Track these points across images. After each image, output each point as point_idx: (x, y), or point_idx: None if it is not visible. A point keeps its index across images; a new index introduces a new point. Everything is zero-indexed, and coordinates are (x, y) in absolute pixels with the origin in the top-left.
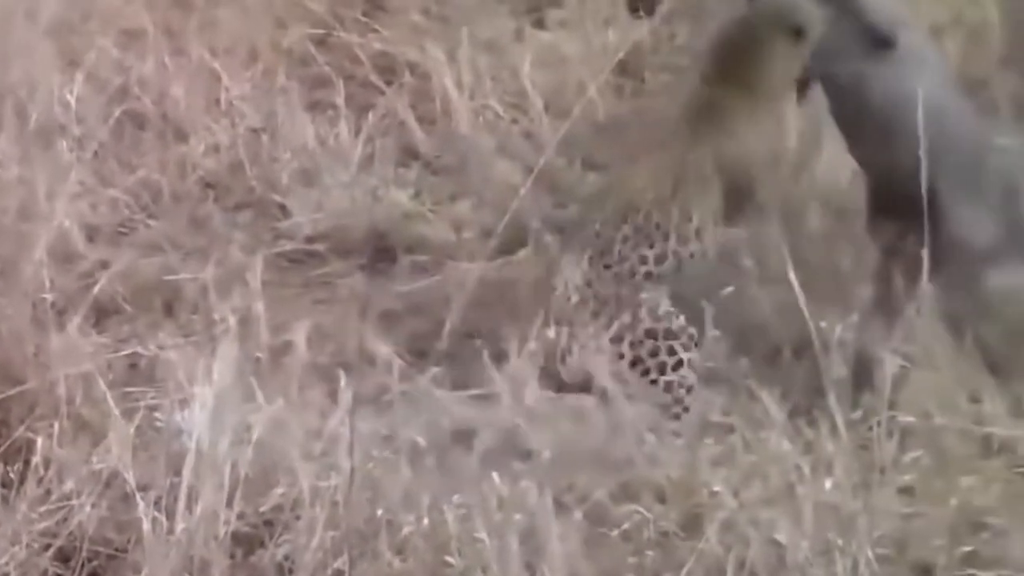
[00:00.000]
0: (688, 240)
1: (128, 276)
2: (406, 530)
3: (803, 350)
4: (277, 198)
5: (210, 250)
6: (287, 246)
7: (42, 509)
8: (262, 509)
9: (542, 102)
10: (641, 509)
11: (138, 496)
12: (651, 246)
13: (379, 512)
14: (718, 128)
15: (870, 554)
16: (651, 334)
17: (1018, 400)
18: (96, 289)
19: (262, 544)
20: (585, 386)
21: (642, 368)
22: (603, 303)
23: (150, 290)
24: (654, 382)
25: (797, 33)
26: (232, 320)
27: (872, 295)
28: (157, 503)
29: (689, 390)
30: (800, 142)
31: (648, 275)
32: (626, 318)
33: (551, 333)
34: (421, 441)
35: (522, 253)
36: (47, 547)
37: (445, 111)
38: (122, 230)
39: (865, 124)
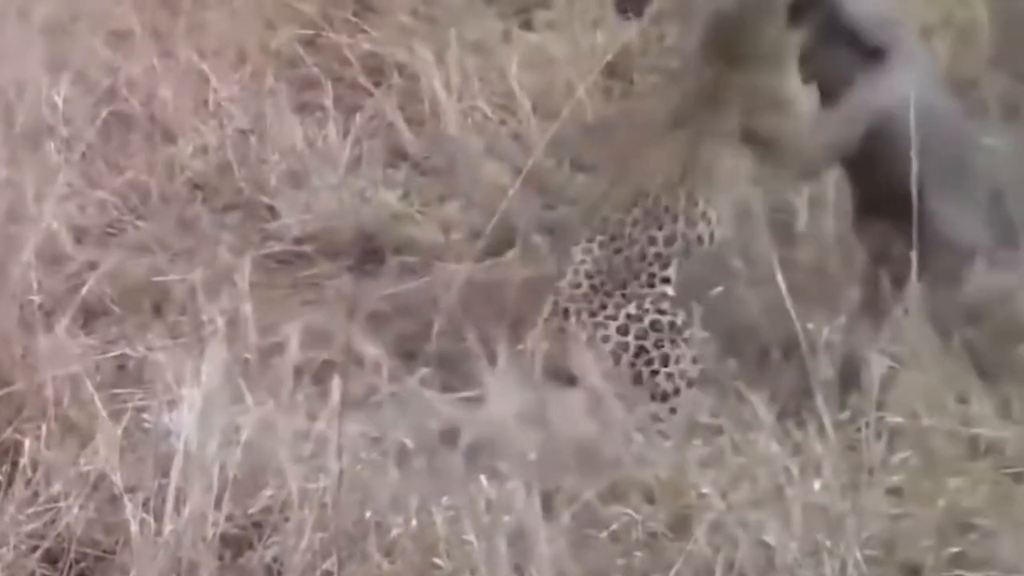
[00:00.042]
0: (696, 223)
1: (116, 277)
2: (395, 532)
3: (792, 351)
4: (265, 199)
5: (198, 251)
6: (275, 247)
7: (30, 511)
8: (250, 511)
9: (530, 103)
10: (629, 510)
11: (126, 498)
12: (660, 228)
13: (368, 514)
14: (731, 103)
15: (858, 555)
16: (656, 326)
17: (1006, 401)
18: (84, 290)
19: (250, 546)
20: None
21: (646, 358)
22: (609, 294)
23: (138, 291)
24: (655, 372)
25: (793, 12)
26: (220, 321)
27: (860, 296)
28: (145, 505)
29: (690, 384)
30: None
31: (658, 256)
32: (632, 308)
33: (559, 322)
34: (409, 443)
35: (510, 254)
36: (35, 549)
37: (433, 112)
38: (110, 231)
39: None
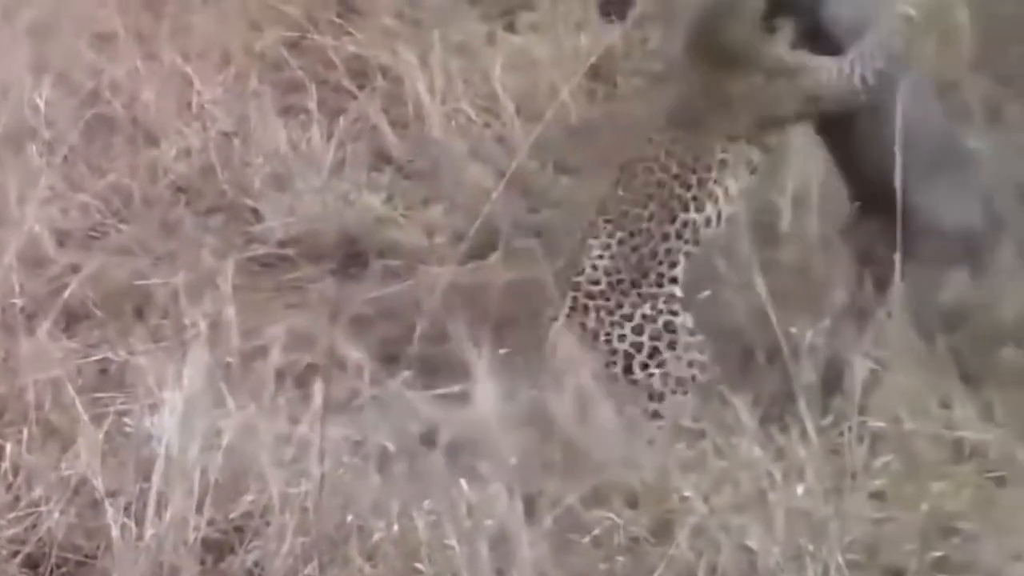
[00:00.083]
0: (704, 207)
1: (98, 281)
2: (376, 536)
3: (776, 355)
4: (249, 202)
5: (181, 255)
6: (259, 250)
7: (11, 515)
8: (232, 515)
9: (514, 106)
10: (611, 515)
11: (107, 502)
12: (672, 221)
13: (349, 518)
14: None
15: (841, 559)
16: (669, 327)
17: (988, 405)
18: (66, 294)
19: (232, 550)
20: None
21: (658, 360)
22: (625, 293)
23: (120, 295)
24: (667, 374)
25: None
26: (203, 325)
27: (844, 299)
28: (126, 509)
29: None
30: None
31: (668, 252)
32: (647, 309)
33: (578, 319)
34: (391, 447)
35: (493, 257)
36: (16, 554)
37: (417, 115)
38: (92, 235)
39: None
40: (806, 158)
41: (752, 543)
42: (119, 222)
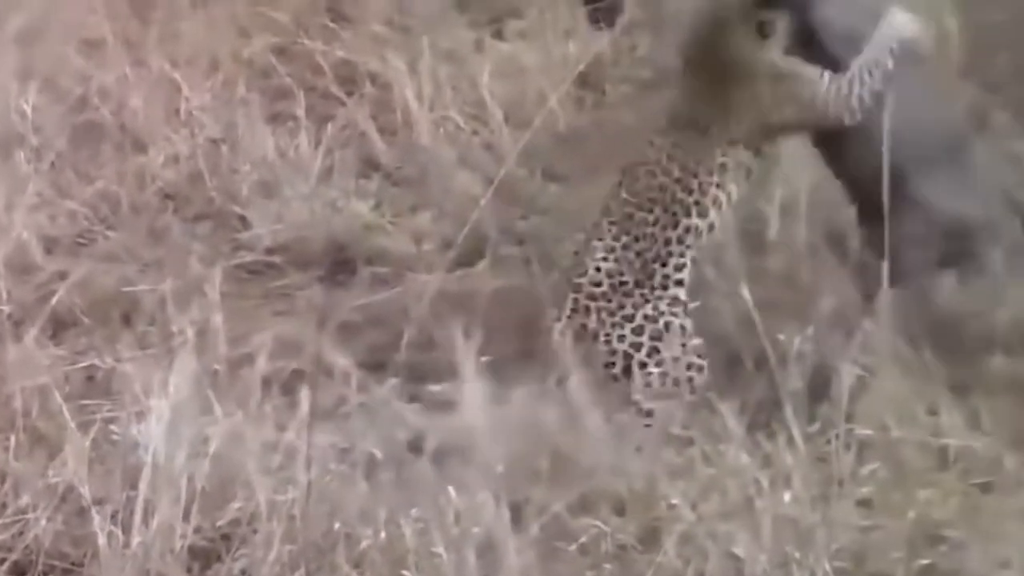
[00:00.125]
0: (707, 213)
1: (86, 288)
2: (363, 544)
3: (763, 362)
4: (237, 209)
5: (168, 262)
6: (246, 258)
7: None
8: (219, 523)
9: (502, 113)
10: (599, 523)
11: (94, 510)
12: (675, 226)
13: (336, 526)
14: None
15: (828, 567)
16: (670, 328)
17: (975, 413)
18: (53, 301)
19: (219, 558)
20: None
21: (657, 359)
22: (628, 294)
23: (108, 302)
24: (664, 375)
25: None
26: (190, 332)
27: (831, 306)
28: (113, 517)
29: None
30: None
31: (670, 254)
32: (649, 310)
33: (579, 320)
34: (378, 454)
35: (481, 265)
36: (2, 561)
37: (406, 122)
38: (80, 241)
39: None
40: (794, 166)
41: (739, 550)
42: (107, 229)
